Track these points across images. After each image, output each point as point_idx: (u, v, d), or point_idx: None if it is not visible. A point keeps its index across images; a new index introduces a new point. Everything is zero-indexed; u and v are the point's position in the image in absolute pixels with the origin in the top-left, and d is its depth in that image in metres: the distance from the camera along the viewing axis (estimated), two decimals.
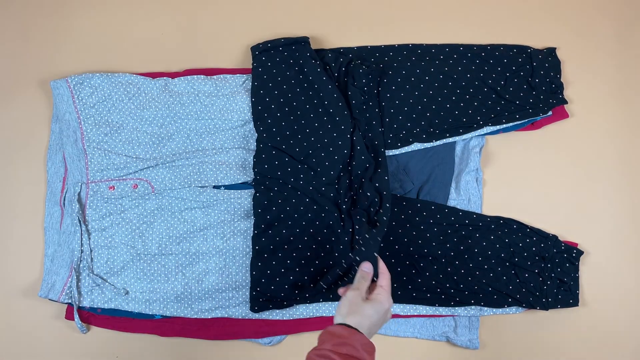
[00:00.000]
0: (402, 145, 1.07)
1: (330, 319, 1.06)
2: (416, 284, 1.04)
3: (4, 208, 1.10)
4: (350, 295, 0.83)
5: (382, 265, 0.89)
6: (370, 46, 1.12)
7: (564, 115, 1.11)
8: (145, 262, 1.05)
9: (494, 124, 1.07)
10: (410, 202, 1.07)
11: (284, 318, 1.05)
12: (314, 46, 1.10)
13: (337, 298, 1.00)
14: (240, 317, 1.05)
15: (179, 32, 1.14)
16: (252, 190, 1.06)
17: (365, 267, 0.88)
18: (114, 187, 1.05)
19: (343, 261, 0.94)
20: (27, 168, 1.10)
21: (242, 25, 1.14)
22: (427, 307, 1.05)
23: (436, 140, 1.08)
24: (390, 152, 1.08)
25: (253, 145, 1.07)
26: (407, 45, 1.11)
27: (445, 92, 1.08)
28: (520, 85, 1.08)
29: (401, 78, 1.09)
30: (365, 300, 0.83)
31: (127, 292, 1.04)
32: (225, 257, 1.05)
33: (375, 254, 0.91)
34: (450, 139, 1.08)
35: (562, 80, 1.11)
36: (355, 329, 0.78)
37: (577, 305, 1.06)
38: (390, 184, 1.08)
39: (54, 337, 1.08)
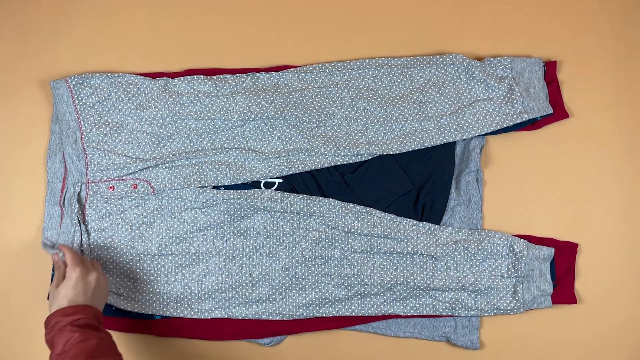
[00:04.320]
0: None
1: (329, 319, 1.06)
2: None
3: (5, 208, 1.10)
4: (49, 290, 0.94)
5: (63, 247, 0.96)
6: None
7: (564, 115, 1.11)
8: (145, 262, 1.05)
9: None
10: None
11: (284, 318, 1.05)
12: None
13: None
14: (240, 317, 1.05)
15: (179, 32, 1.14)
16: (252, 190, 1.06)
17: (54, 259, 0.97)
18: (113, 187, 1.05)
19: None
20: (26, 168, 1.10)
21: (242, 25, 1.14)
22: (427, 308, 1.05)
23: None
24: (389, 152, 1.08)
25: (253, 145, 1.07)
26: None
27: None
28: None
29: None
30: (59, 286, 0.91)
31: (126, 293, 1.04)
32: (225, 257, 1.05)
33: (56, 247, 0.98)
34: (450, 139, 1.08)
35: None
36: (59, 311, 0.87)
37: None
38: (390, 184, 1.08)
39: None
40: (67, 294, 0.88)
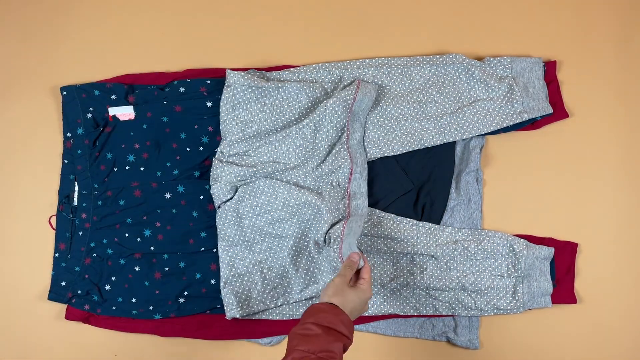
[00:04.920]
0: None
1: None
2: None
3: (8, 208, 1.10)
4: (337, 280, 0.89)
5: (364, 258, 0.94)
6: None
7: (564, 115, 1.11)
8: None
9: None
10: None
11: (284, 318, 1.05)
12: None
13: None
14: (239, 317, 1.04)
15: (179, 32, 1.14)
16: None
17: (354, 257, 0.93)
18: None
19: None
20: (31, 170, 1.10)
21: (242, 25, 1.14)
22: (427, 308, 1.05)
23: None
24: (390, 153, 1.08)
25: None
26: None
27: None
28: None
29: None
30: (350, 287, 0.89)
31: None
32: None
33: (358, 248, 0.96)
34: (450, 139, 1.08)
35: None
36: (338, 307, 0.84)
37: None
38: (390, 184, 1.08)
39: (54, 337, 1.08)
40: (354, 303, 0.86)
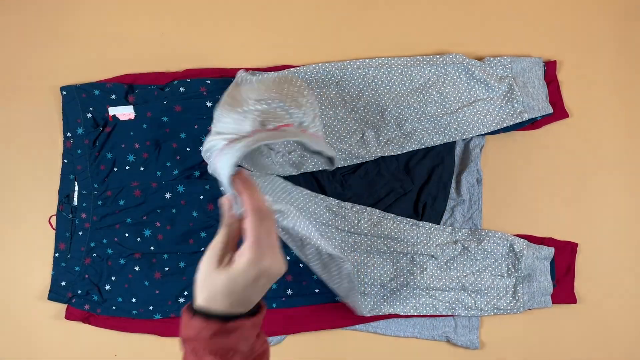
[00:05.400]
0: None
1: (329, 319, 1.06)
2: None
3: (8, 208, 1.10)
4: (204, 260, 0.55)
5: (247, 187, 0.55)
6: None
7: (564, 115, 1.11)
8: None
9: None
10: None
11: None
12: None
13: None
14: None
15: (179, 32, 1.14)
16: None
17: (224, 205, 0.56)
18: None
19: None
20: (32, 171, 1.11)
21: (242, 25, 1.14)
22: (427, 308, 1.05)
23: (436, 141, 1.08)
24: (390, 153, 1.08)
25: None
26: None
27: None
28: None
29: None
30: (219, 267, 0.55)
31: None
32: None
33: (231, 179, 0.59)
34: (451, 139, 1.08)
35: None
36: (204, 315, 0.53)
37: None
38: (391, 184, 1.08)
39: (54, 337, 1.08)
40: (234, 292, 0.53)
